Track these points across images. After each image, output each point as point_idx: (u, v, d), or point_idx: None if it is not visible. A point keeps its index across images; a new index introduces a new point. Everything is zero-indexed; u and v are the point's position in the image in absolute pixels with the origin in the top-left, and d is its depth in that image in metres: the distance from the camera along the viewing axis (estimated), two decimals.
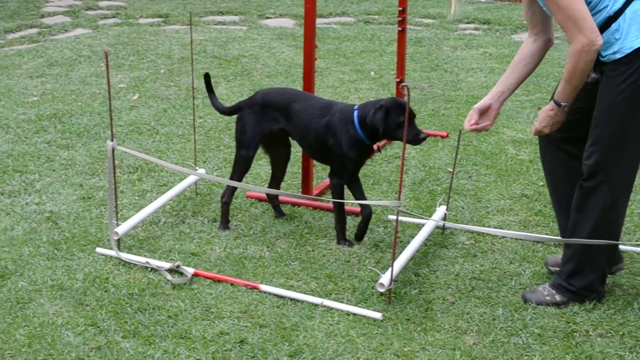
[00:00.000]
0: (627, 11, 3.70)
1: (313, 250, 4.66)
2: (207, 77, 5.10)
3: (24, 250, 4.62)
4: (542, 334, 3.87)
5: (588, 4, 3.69)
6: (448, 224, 4.86)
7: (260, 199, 5.29)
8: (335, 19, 11.31)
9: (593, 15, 3.69)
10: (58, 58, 8.78)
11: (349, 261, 4.54)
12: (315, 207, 5.21)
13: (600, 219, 3.93)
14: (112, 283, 4.26)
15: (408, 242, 4.56)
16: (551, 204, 4.50)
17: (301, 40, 5.18)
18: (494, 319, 3.99)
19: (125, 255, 4.50)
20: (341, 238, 4.73)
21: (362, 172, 5.36)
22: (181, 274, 4.35)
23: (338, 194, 4.65)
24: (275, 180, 5.10)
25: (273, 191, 4.81)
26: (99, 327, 3.89)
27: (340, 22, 11.07)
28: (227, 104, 7.14)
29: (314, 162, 5.18)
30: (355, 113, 4.56)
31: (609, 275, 4.21)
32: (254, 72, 8.36)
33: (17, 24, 10.56)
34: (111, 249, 4.54)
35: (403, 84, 4.12)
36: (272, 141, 4.93)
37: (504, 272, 4.45)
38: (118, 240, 4.57)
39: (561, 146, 4.15)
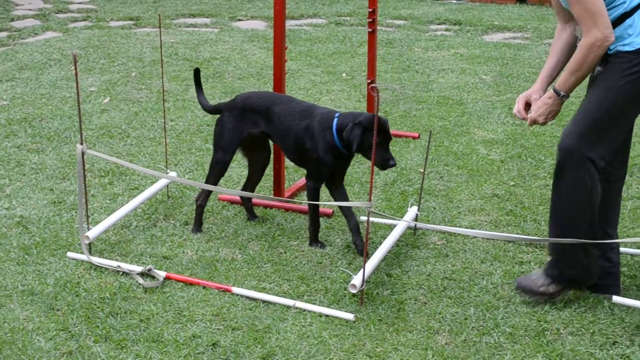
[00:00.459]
0: None
1: (285, 252, 4.66)
2: (196, 73, 5.07)
3: None
4: (514, 333, 3.89)
5: None
6: (420, 225, 4.88)
7: (232, 202, 5.28)
8: (307, 20, 11.33)
9: (609, 9, 3.75)
10: (28, 62, 8.73)
11: (321, 263, 4.55)
12: (287, 209, 5.21)
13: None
14: (83, 287, 4.24)
15: (380, 243, 4.57)
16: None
17: (272, 42, 5.17)
18: (465, 319, 4.01)
19: (96, 260, 4.48)
20: (313, 240, 4.72)
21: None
22: (153, 277, 4.34)
23: (312, 196, 4.64)
24: (251, 183, 5.08)
25: (245, 193, 4.80)
26: (70, 332, 3.87)
27: (311, 24, 11.08)
28: (200, 107, 7.14)
29: (286, 164, 5.18)
30: (335, 121, 4.53)
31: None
32: (226, 75, 8.35)
33: None
34: (82, 253, 4.52)
35: (372, 85, 4.13)
36: (252, 145, 4.92)
37: (476, 272, 4.47)
38: (89, 244, 4.55)
39: None
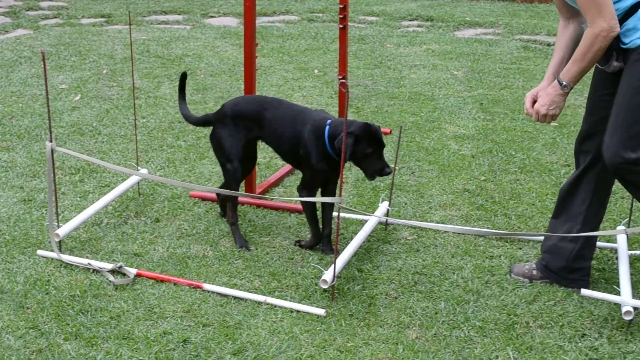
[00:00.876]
0: None
1: (256, 249, 4.66)
2: (182, 78, 4.92)
3: None
4: (484, 327, 3.92)
5: None
6: (391, 220, 4.89)
7: (203, 198, 5.27)
8: (279, 17, 11.33)
9: (619, 0, 3.70)
10: None
11: (292, 259, 4.55)
12: (258, 206, 5.20)
13: None
14: (53, 285, 4.22)
15: (351, 239, 4.58)
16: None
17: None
18: (436, 313, 4.03)
19: (66, 257, 4.46)
20: (314, 244, 4.65)
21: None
22: (124, 274, 4.32)
23: (310, 210, 4.57)
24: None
25: (216, 190, 4.78)
26: (40, 329, 3.85)
27: (284, 21, 11.08)
28: (171, 104, 7.13)
29: (257, 160, 5.16)
30: (327, 129, 4.43)
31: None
32: (198, 72, 8.33)
33: None
34: (52, 251, 4.50)
35: (341, 80, 4.13)
36: (243, 153, 4.74)
37: (446, 266, 4.49)
38: (59, 242, 4.53)
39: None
